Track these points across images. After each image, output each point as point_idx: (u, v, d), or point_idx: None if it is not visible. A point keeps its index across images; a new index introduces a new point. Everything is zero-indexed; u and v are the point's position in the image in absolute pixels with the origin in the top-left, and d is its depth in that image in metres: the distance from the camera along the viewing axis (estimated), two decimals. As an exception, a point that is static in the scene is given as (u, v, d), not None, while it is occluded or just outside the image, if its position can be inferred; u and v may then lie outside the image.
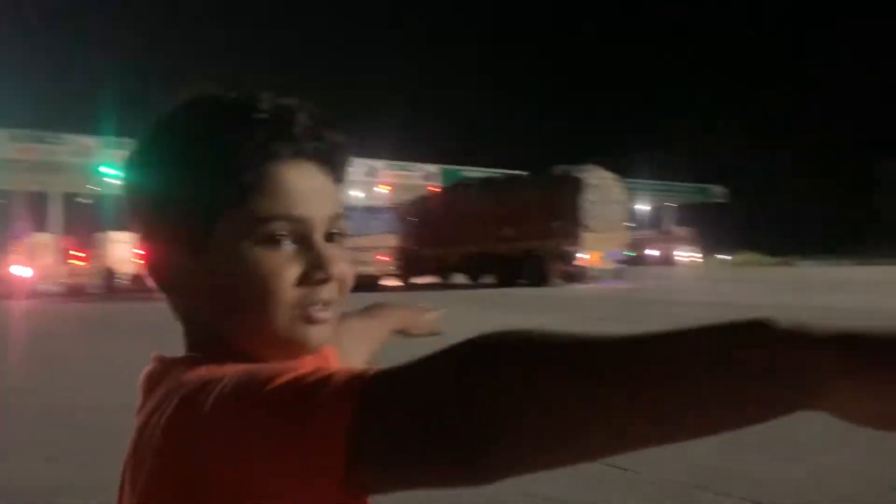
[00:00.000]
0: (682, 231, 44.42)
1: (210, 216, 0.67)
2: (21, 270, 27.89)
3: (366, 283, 24.48)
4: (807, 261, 40.14)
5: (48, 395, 6.68)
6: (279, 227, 0.67)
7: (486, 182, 28.93)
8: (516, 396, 0.47)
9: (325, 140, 0.71)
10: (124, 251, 43.03)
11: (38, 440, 5.07)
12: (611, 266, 24.63)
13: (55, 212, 44.90)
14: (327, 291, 0.70)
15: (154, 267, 0.71)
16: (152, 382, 0.67)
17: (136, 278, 31.38)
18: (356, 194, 50.46)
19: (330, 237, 0.71)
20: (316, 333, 0.69)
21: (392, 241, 26.52)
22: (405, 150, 52.28)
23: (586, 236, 23.17)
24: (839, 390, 0.42)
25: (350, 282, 0.72)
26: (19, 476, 4.22)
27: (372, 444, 0.50)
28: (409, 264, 27.54)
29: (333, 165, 0.72)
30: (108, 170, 40.25)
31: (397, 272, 27.63)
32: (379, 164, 51.50)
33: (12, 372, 8.21)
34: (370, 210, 27.77)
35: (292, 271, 0.68)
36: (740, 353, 0.44)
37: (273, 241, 0.67)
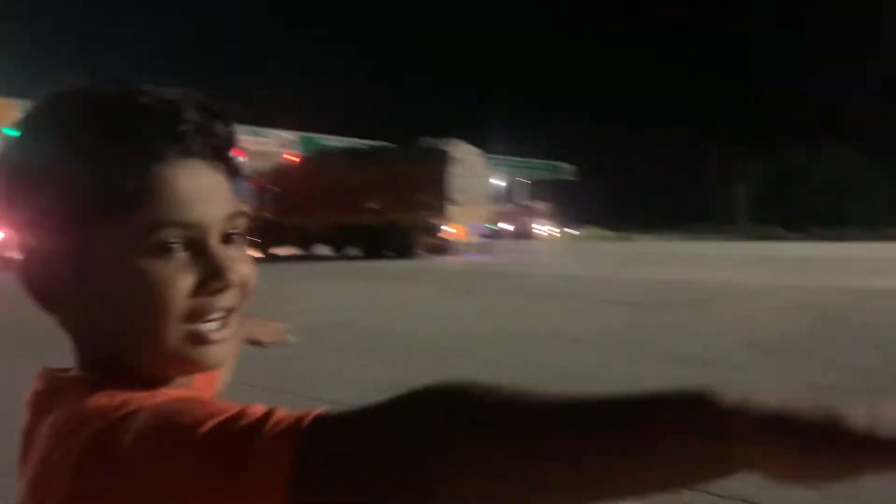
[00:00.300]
0: (540, 206, 45.99)
1: (87, 226, 0.60)
2: None
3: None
4: (645, 236, 42.95)
5: None
6: (168, 235, 0.61)
7: (350, 152, 28.44)
8: (457, 462, 0.47)
9: (215, 135, 0.64)
10: None
11: None
12: (474, 239, 25.03)
13: None
14: (227, 299, 0.64)
15: (32, 279, 0.63)
16: (42, 403, 0.62)
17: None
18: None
19: (228, 238, 0.65)
20: (212, 353, 0.64)
21: (246, 210, 25.81)
22: (261, 116, 50.50)
23: (451, 209, 23.43)
24: (757, 451, 0.44)
25: (253, 285, 0.67)
26: None
27: (310, 498, 0.49)
28: (268, 234, 26.89)
29: (226, 161, 0.66)
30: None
31: (256, 242, 26.96)
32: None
33: None
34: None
35: (186, 282, 0.61)
36: (687, 432, 0.45)
37: (163, 249, 0.61)
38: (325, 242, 26.43)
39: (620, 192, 58.19)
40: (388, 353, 6.90)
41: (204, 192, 0.62)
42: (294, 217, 26.26)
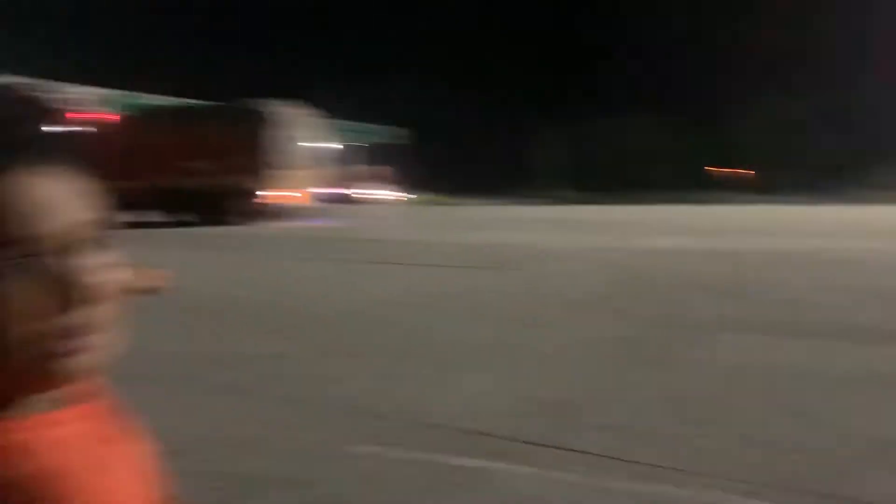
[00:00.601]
0: (379, 170, 45.91)
1: None
2: None
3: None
4: (475, 200, 44.49)
5: None
6: None
7: (170, 111, 26.53)
8: None
9: (36, 138, 0.59)
10: None
11: None
12: (309, 203, 24.40)
13: None
14: (84, 315, 0.57)
15: None
16: None
17: None
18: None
19: (79, 248, 0.58)
20: (75, 363, 0.58)
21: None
22: (67, 70, 46.45)
23: (278, 173, 22.71)
24: None
25: (116, 291, 0.61)
26: None
27: None
28: None
29: (54, 164, 0.59)
30: None
31: None
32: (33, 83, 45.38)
33: None
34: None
35: (26, 304, 0.55)
36: None
37: None
38: (150, 208, 24.44)
39: (455, 156, 59.54)
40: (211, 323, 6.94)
41: (32, 205, 0.56)
42: (112, 181, 24.46)
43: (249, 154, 22.62)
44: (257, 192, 22.88)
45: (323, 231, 19.84)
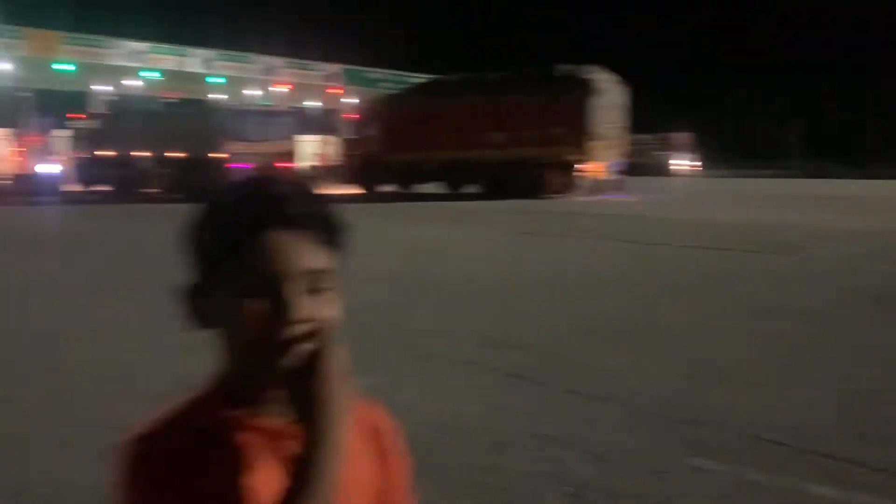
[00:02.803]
0: (681, 137, 42.42)
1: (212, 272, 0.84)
2: None
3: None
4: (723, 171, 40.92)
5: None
6: (252, 282, 0.81)
7: (473, 81, 24.66)
8: None
9: (301, 214, 0.83)
10: (3, 148, 39.83)
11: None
12: (611, 176, 22.63)
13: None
14: (297, 329, 0.80)
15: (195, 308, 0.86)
16: None
17: (19, 178, 29.24)
18: (252, 93, 48.40)
19: (313, 289, 0.82)
20: (286, 363, 0.80)
21: (290, 146, 25.14)
22: (303, 48, 50.01)
23: (591, 144, 21.15)
24: None
25: (332, 325, 0.83)
26: None
27: None
28: (372, 171, 24.92)
29: (311, 230, 0.83)
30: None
31: (358, 180, 25.39)
32: (278, 61, 49.18)
33: None
34: (270, 114, 26.23)
35: (262, 317, 0.80)
36: None
37: (246, 293, 0.80)
38: (440, 180, 24.23)
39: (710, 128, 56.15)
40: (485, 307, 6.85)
41: (283, 252, 0.81)
42: (404, 153, 24.07)
43: (560, 124, 21.11)
44: (563, 165, 21.52)
45: (633, 206, 18.48)
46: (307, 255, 0.82)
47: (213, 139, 22.50)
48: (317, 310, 0.81)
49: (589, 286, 7.56)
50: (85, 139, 27.54)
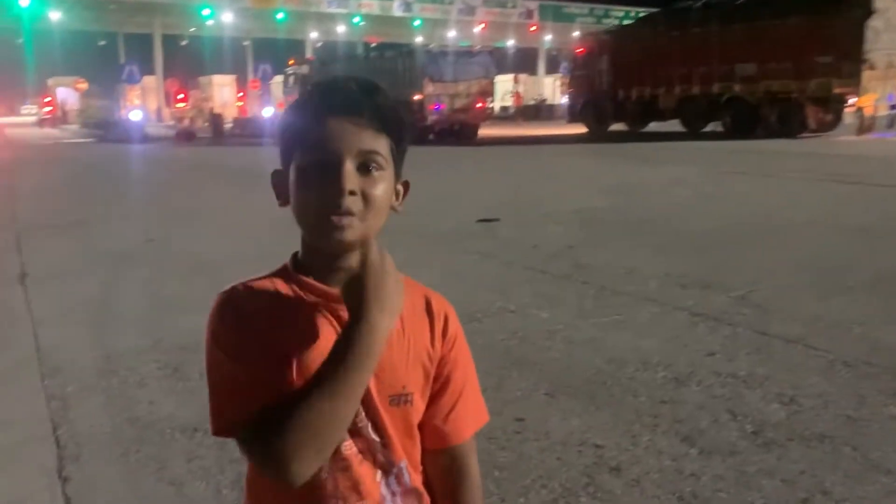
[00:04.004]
0: None
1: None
2: (135, 115, 28.69)
3: (465, 133, 24.13)
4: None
5: (189, 248, 6.91)
6: (312, 157, 0.95)
7: (717, 6, 20.88)
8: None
9: (354, 100, 0.96)
10: (228, 95, 43.81)
11: (182, 294, 5.24)
12: (884, 112, 19.26)
13: (158, 55, 45.56)
14: (348, 203, 0.92)
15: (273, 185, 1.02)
16: None
17: (239, 122, 32.05)
18: (451, 34, 49.03)
19: (364, 167, 0.95)
20: (336, 234, 0.93)
21: (486, 86, 25.04)
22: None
23: (865, 74, 17.92)
24: None
25: (379, 203, 0.95)
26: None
27: None
28: (599, 110, 23.47)
29: (362, 117, 0.95)
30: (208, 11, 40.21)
31: (584, 119, 24.18)
32: (475, 1, 49.33)
33: (151, 225, 8.54)
34: (466, 54, 26.45)
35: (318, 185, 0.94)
36: None
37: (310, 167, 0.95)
38: (676, 117, 22.13)
39: None
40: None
41: (339, 133, 0.94)
42: (634, 89, 22.45)
43: (827, 52, 17.92)
44: (833, 99, 18.78)
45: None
46: (361, 136, 0.94)
47: (412, 81, 23.14)
48: (364, 185, 0.94)
49: (809, 231, 7.06)
50: (292, 85, 29.81)
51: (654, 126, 23.56)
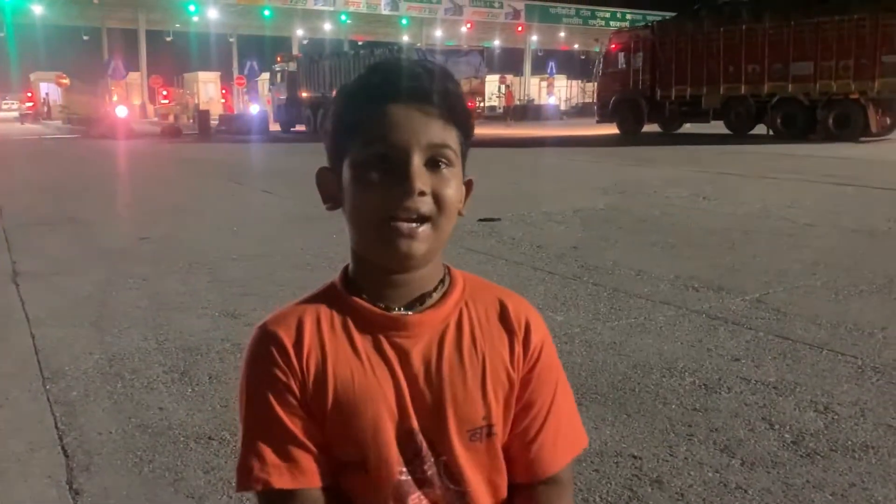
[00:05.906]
0: None
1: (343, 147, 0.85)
2: (120, 111, 28.33)
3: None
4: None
5: (192, 245, 6.74)
6: (375, 152, 0.81)
7: (770, 1, 19.38)
8: None
9: (422, 88, 0.82)
10: (213, 91, 43.43)
11: (192, 293, 5.09)
12: None
13: (142, 50, 45.02)
14: (418, 204, 0.79)
15: (318, 183, 0.90)
16: None
17: (225, 119, 31.75)
18: (437, 33, 48.90)
19: (433, 162, 0.81)
20: (402, 244, 0.80)
21: (478, 86, 24.94)
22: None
23: None
24: None
25: (449, 203, 0.82)
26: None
27: None
28: (632, 110, 22.17)
29: (432, 105, 0.81)
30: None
31: (615, 119, 22.87)
32: (462, 0, 49.19)
33: (151, 222, 8.36)
34: (455, 53, 26.32)
35: (383, 185, 0.81)
36: None
37: (370, 163, 0.81)
38: (720, 119, 20.88)
39: None
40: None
41: (404, 123, 0.80)
42: (673, 89, 21.09)
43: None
44: (890, 101, 17.59)
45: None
46: (429, 128, 0.81)
47: None
48: (436, 185, 0.81)
49: (817, 231, 7.01)
50: (279, 82, 29.49)
51: (688, 128, 22.51)
